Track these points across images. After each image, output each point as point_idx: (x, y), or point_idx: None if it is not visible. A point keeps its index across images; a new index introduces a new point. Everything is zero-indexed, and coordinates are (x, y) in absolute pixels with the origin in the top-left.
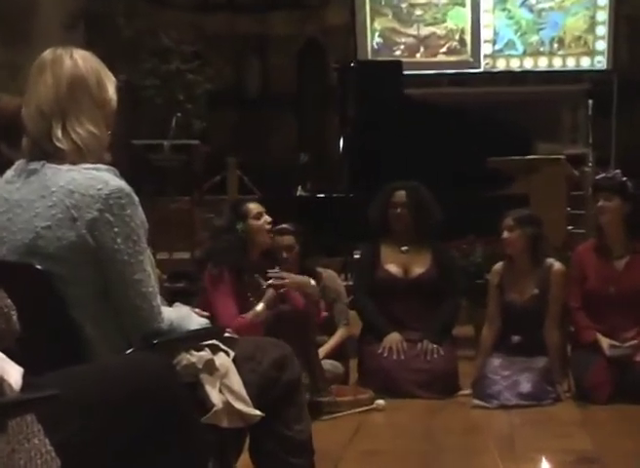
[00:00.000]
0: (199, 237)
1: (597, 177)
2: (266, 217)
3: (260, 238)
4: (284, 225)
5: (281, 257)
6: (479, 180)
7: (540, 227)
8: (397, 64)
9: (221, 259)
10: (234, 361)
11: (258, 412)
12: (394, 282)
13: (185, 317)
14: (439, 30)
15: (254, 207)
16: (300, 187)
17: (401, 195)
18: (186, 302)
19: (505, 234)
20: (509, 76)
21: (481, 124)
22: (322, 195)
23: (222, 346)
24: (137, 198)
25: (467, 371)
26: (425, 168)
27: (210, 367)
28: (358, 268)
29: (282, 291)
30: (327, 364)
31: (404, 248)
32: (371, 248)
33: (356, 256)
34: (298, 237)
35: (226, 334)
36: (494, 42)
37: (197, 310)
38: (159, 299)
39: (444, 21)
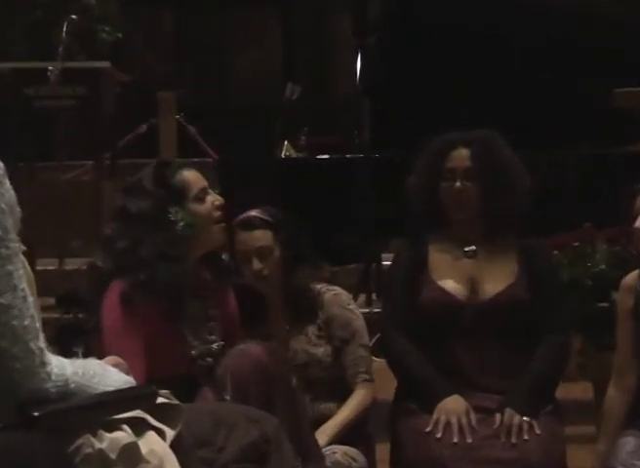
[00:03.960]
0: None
1: None
2: (214, 196)
3: (208, 234)
4: (253, 212)
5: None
6: (595, 130)
7: None
8: None
9: (146, 277)
10: (174, 446)
11: None
12: (454, 308)
13: (97, 374)
14: None
15: (193, 177)
16: (285, 143)
17: (462, 155)
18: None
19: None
20: None
21: (594, 33)
22: (324, 157)
23: (153, 422)
24: (1, 164)
25: (582, 462)
26: (502, 107)
27: (131, 456)
28: (391, 284)
29: None
30: (337, 453)
31: (469, 249)
32: (412, 249)
33: (386, 264)
34: (277, 232)
35: (162, 400)
36: None
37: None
38: (43, 341)
39: None
